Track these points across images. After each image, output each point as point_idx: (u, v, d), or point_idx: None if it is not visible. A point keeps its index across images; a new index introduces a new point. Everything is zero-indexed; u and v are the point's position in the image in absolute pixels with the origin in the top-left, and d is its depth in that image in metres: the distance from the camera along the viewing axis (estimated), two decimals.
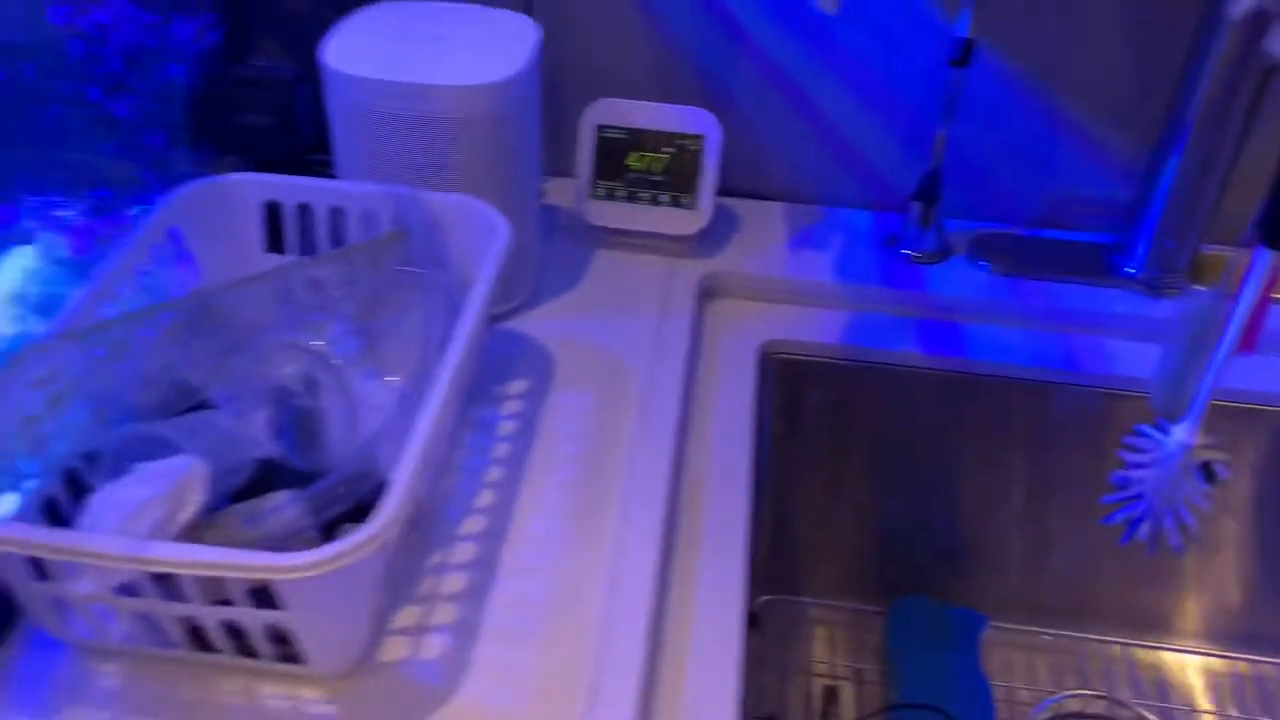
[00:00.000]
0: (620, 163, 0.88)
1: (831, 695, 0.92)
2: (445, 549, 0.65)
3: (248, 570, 0.48)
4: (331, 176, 0.77)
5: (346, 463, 0.60)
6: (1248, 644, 0.97)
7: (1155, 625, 0.98)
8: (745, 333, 0.86)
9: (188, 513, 0.53)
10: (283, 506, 0.56)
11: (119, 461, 0.57)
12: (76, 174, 0.68)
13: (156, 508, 0.52)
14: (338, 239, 0.73)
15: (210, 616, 0.53)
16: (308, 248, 0.74)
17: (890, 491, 0.94)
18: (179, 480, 0.54)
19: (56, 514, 0.57)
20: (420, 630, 0.60)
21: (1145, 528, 0.68)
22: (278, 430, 0.65)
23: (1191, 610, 0.97)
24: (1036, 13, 0.86)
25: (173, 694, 0.57)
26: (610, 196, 0.89)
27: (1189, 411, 0.65)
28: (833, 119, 0.94)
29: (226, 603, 0.52)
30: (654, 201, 0.89)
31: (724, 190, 0.91)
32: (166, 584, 0.52)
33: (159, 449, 0.57)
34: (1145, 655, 0.97)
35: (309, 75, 0.74)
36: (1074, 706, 0.94)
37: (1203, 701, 0.95)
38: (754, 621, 0.90)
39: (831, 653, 0.96)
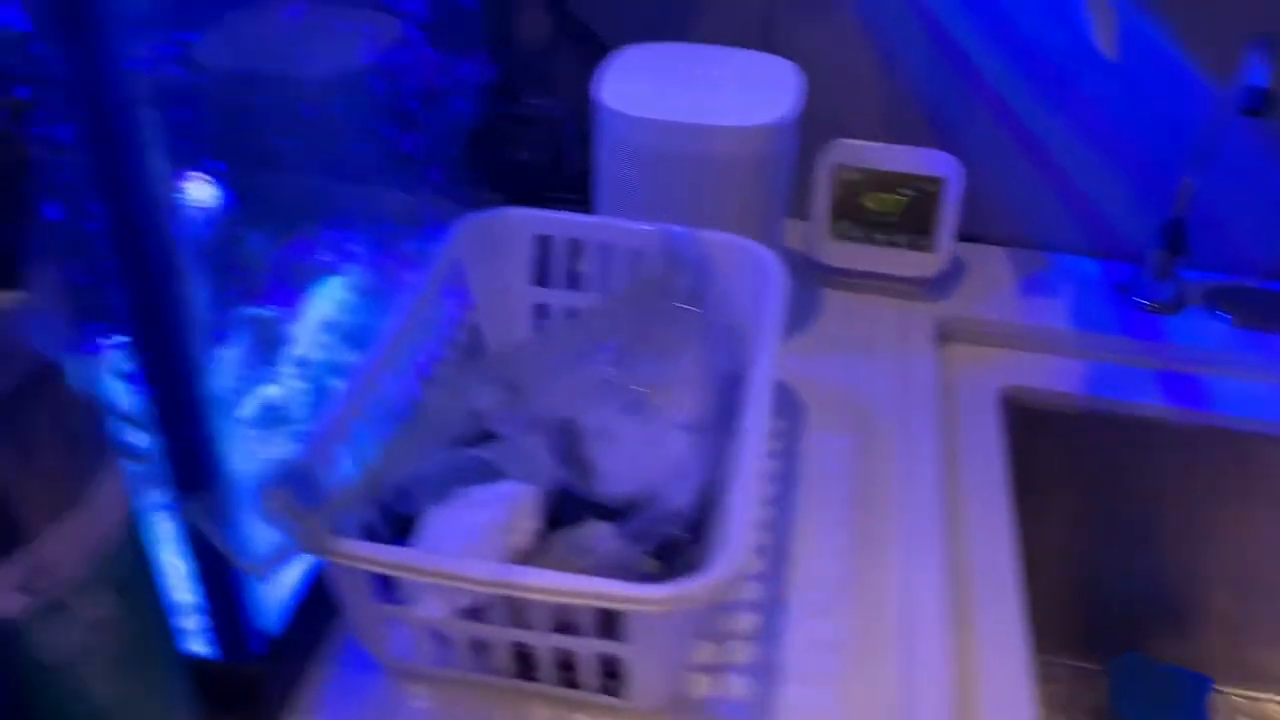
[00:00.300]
0: (856, 204, 0.89)
1: None
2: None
3: (616, 600, 0.48)
4: (584, 211, 0.78)
5: (642, 498, 0.61)
6: None
7: None
8: (983, 378, 0.85)
9: (522, 538, 0.54)
10: (605, 538, 0.57)
11: (441, 487, 0.58)
12: (365, 208, 0.70)
13: (498, 533, 0.53)
14: (605, 274, 0.74)
15: (549, 644, 0.53)
16: (574, 281, 0.75)
17: (1117, 544, 0.92)
18: (515, 505, 0.55)
19: (374, 535, 0.58)
20: (720, 669, 0.60)
21: None
22: (562, 460, 0.66)
23: None
24: None
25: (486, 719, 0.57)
26: (846, 237, 0.89)
27: None
28: (1064, 165, 0.93)
29: (564, 630, 0.52)
30: (891, 243, 0.88)
31: None
32: (510, 609, 0.52)
33: (480, 474, 0.58)
34: None
35: (577, 113, 0.76)
36: None
37: None
38: None
39: (1049, 710, 0.94)
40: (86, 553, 0.39)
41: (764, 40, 0.89)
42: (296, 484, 0.48)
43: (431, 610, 0.52)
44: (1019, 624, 0.65)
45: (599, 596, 0.48)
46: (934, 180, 0.87)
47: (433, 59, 0.69)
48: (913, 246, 0.88)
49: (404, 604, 0.53)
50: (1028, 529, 0.92)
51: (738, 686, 0.59)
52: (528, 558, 0.55)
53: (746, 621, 0.63)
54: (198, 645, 0.53)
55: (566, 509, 0.62)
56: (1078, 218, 0.96)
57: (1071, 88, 0.90)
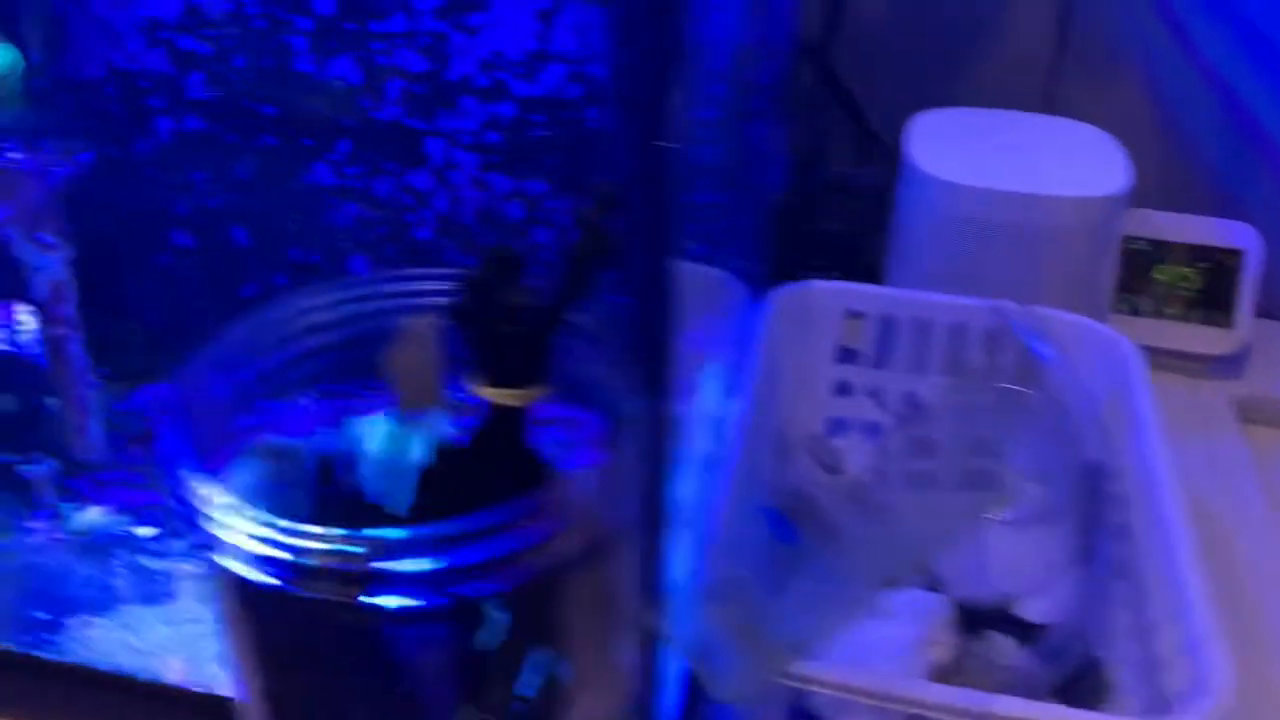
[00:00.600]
0: (1145, 275, 0.84)
1: None
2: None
3: None
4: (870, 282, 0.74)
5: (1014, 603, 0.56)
6: None
7: None
8: None
9: (945, 653, 0.50)
10: (1013, 654, 0.52)
11: None
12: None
13: (920, 649, 0.49)
14: (919, 353, 0.70)
15: None
16: (883, 360, 0.71)
17: None
18: (934, 618, 0.50)
19: None
20: None
21: None
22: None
23: None
24: None
25: None
26: (1134, 310, 0.84)
27: None
28: None
29: None
30: (1184, 318, 0.83)
31: None
32: None
33: None
34: None
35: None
36: None
37: None
38: None
39: None
40: None
41: (1046, 106, 0.85)
42: (741, 599, 0.44)
43: None
44: None
45: None
46: (1232, 252, 0.82)
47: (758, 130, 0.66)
48: (1208, 321, 0.83)
49: None
50: None
51: None
52: (945, 675, 0.50)
53: None
54: None
55: None
56: None
57: None
